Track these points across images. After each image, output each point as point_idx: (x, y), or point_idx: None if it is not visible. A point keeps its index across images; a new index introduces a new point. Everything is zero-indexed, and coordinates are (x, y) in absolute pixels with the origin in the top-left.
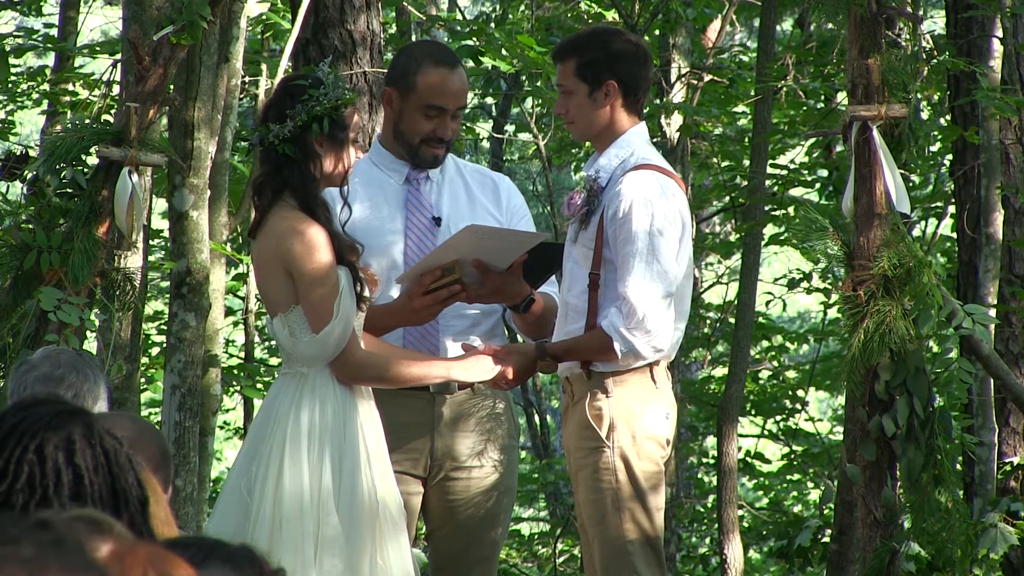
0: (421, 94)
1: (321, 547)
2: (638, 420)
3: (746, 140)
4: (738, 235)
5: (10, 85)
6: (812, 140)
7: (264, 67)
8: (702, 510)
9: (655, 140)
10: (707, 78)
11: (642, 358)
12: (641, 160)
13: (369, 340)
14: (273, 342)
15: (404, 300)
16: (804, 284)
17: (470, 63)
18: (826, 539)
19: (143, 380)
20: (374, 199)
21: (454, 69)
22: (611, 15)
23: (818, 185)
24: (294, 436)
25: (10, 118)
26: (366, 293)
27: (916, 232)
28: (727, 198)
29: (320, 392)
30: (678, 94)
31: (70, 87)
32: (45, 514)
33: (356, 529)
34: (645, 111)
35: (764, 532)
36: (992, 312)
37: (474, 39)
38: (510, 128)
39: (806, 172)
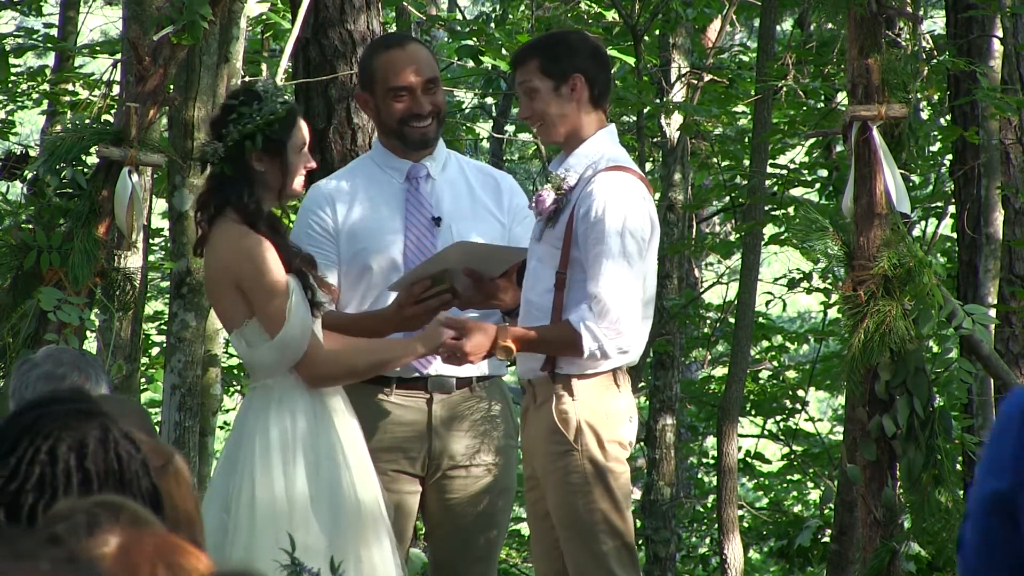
0: (381, 82)
1: (304, 556)
2: (603, 423)
3: (746, 140)
4: (738, 235)
5: (10, 85)
6: (812, 140)
7: (264, 67)
8: (702, 510)
9: (655, 140)
10: (707, 78)
11: (607, 358)
12: (612, 161)
13: (331, 338)
14: None
15: (395, 309)
16: (804, 284)
17: (470, 63)
18: (826, 539)
19: (143, 380)
20: (374, 199)
21: (405, 47)
22: (611, 15)
23: (818, 185)
24: (263, 449)
25: (10, 118)
26: (319, 299)
27: (916, 232)
28: (727, 198)
29: (288, 403)
30: (678, 94)
31: (70, 87)
32: (61, 507)
33: (339, 534)
34: (645, 110)
35: (764, 532)
36: (992, 312)
37: (474, 39)
38: (510, 128)
39: (806, 172)
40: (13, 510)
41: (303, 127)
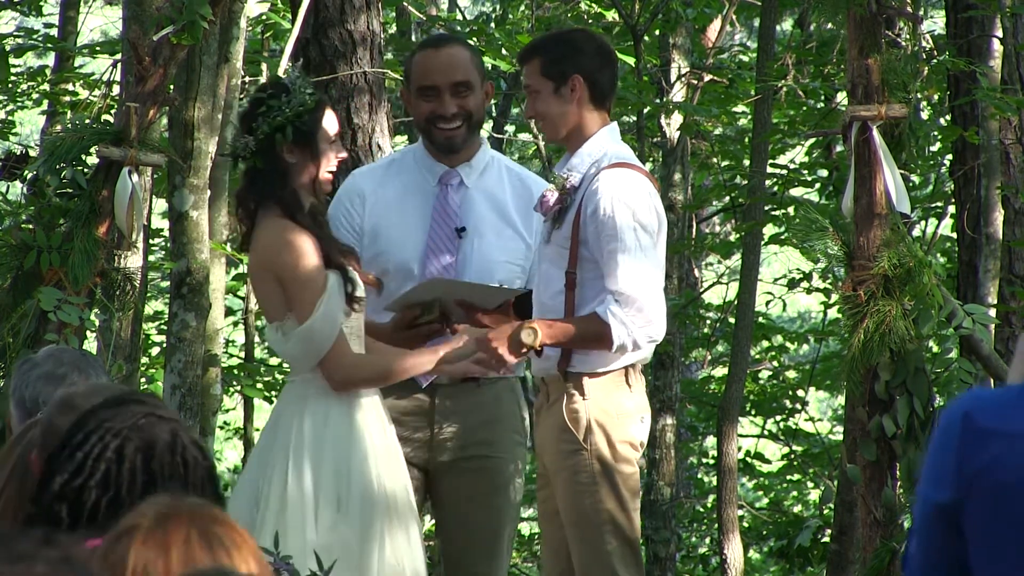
0: (413, 81)
1: (328, 556)
2: (613, 423)
3: (746, 140)
4: (738, 235)
5: (10, 85)
6: (812, 140)
7: (264, 67)
8: (702, 510)
9: (655, 140)
10: (707, 78)
11: (637, 347)
12: (616, 158)
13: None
14: None
15: (390, 330)
16: (804, 284)
17: None
18: (826, 539)
19: (143, 380)
20: (403, 201)
21: (439, 48)
22: (611, 15)
23: (818, 185)
24: (297, 447)
25: (10, 118)
26: (358, 293)
27: (916, 232)
28: (727, 198)
29: (323, 399)
30: (678, 94)
31: (70, 87)
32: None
33: (367, 529)
34: (645, 110)
35: (764, 532)
36: (992, 312)
37: (474, 39)
38: (510, 128)
39: (806, 172)
40: (75, 506)
41: (332, 117)
